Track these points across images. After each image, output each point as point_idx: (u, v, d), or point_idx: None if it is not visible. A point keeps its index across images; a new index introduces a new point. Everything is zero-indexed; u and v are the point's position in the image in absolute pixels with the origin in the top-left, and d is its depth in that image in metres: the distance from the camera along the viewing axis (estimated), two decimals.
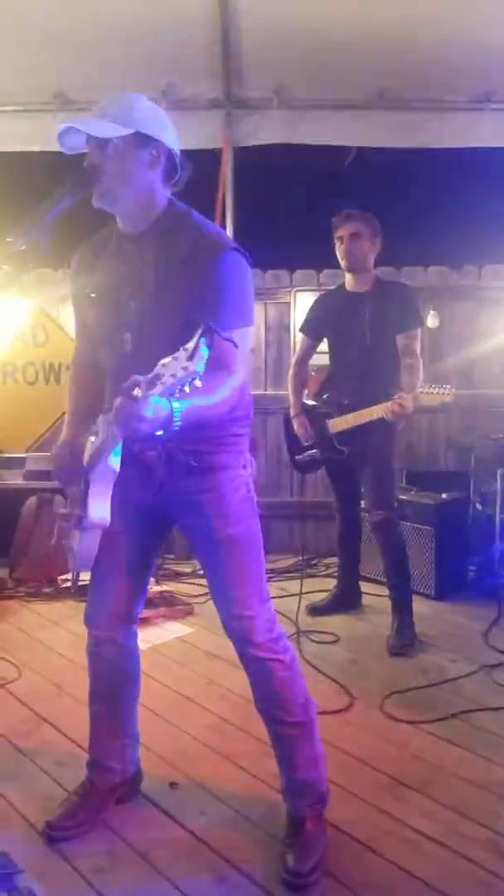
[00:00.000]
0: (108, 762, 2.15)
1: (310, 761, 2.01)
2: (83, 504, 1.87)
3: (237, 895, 1.86)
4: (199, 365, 1.40)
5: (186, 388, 1.43)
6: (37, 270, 4.62)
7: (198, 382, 1.43)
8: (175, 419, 1.52)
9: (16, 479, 4.45)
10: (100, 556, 1.96)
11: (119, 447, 1.76)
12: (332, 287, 3.66)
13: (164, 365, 1.42)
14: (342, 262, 3.37)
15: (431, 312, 4.56)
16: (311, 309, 3.61)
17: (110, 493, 1.84)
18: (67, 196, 1.73)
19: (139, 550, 2.04)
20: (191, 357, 1.40)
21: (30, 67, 3.97)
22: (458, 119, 4.25)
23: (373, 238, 3.32)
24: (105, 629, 2.09)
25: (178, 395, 1.45)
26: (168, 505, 1.95)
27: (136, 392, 1.45)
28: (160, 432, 1.53)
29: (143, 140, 1.77)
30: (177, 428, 1.53)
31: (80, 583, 2.22)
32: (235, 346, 1.63)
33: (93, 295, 1.92)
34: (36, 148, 4.18)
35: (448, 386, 3.06)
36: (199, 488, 1.89)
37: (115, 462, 1.79)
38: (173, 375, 1.41)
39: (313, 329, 3.57)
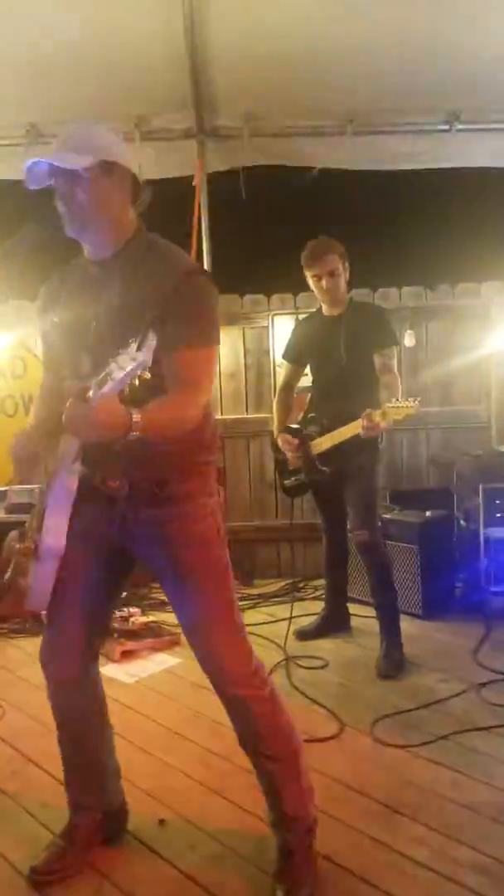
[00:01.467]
0: (87, 801, 2.09)
1: (296, 795, 1.97)
2: (39, 529, 1.82)
3: None
4: (147, 354, 1.40)
5: (136, 382, 1.42)
6: (14, 302, 4.62)
7: (146, 374, 1.43)
8: (134, 426, 1.50)
9: None
10: (56, 592, 1.87)
11: (75, 467, 1.72)
12: (309, 311, 3.69)
13: (113, 360, 1.43)
14: (323, 298, 3.40)
15: (408, 332, 4.58)
16: (292, 335, 3.65)
17: (67, 518, 1.79)
18: (32, 231, 1.73)
19: (99, 585, 1.97)
20: (139, 347, 1.40)
21: (3, 101, 4.00)
22: (426, 140, 4.30)
23: (345, 267, 3.35)
24: (61, 669, 2.00)
25: (128, 391, 1.44)
26: (130, 537, 1.90)
27: (88, 394, 1.44)
28: (115, 442, 1.51)
29: (107, 166, 1.78)
30: (134, 437, 1.51)
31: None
32: (177, 338, 1.62)
33: (55, 320, 1.92)
34: (9, 177, 4.19)
35: (412, 398, 3.07)
36: (163, 519, 1.85)
37: (71, 484, 1.76)
38: (122, 368, 1.41)
39: (295, 354, 3.59)
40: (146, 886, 1.97)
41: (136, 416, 1.51)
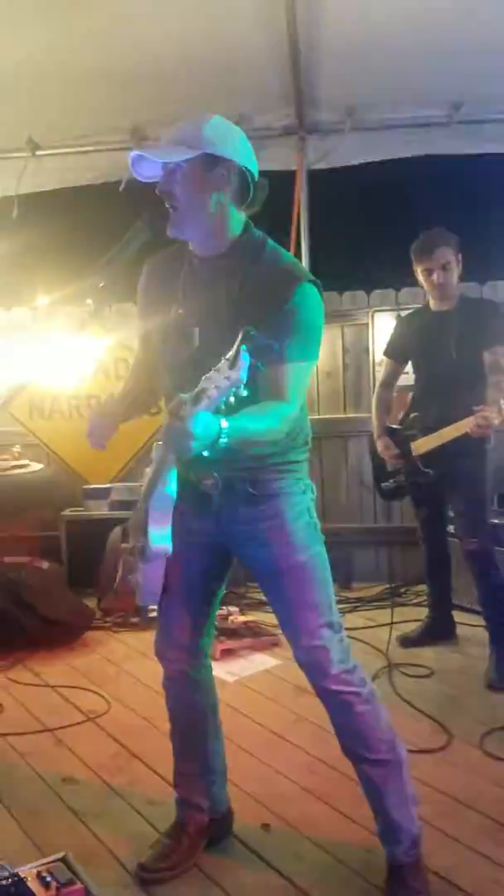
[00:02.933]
0: (196, 800, 2.10)
1: (401, 802, 1.91)
2: (144, 534, 1.82)
3: None
4: (241, 373, 1.38)
5: (231, 399, 1.41)
6: (117, 305, 4.71)
7: (242, 392, 1.41)
8: (221, 437, 1.49)
9: (101, 510, 4.52)
10: (165, 588, 1.91)
11: (173, 473, 1.72)
12: (414, 307, 3.59)
13: (207, 378, 1.41)
14: (432, 293, 3.29)
15: None
16: (395, 330, 3.54)
17: (170, 522, 1.79)
18: (142, 231, 1.73)
19: (200, 581, 2.00)
20: (231, 366, 1.38)
21: (106, 106, 4.08)
22: None
23: (458, 259, 3.24)
24: (175, 662, 2.06)
25: (223, 407, 1.43)
26: (227, 535, 1.91)
27: (182, 411, 1.44)
28: (206, 452, 1.50)
29: (211, 161, 1.71)
30: (223, 446, 1.50)
31: (149, 615, 2.18)
32: (274, 350, 1.59)
33: (157, 315, 1.89)
34: (115, 179, 4.28)
35: None
36: (259, 516, 1.84)
37: (171, 488, 1.76)
38: (217, 388, 1.40)
39: (398, 351, 3.50)
40: (255, 892, 1.95)
41: (225, 425, 1.49)
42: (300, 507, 1.87)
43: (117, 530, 4.30)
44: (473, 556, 3.26)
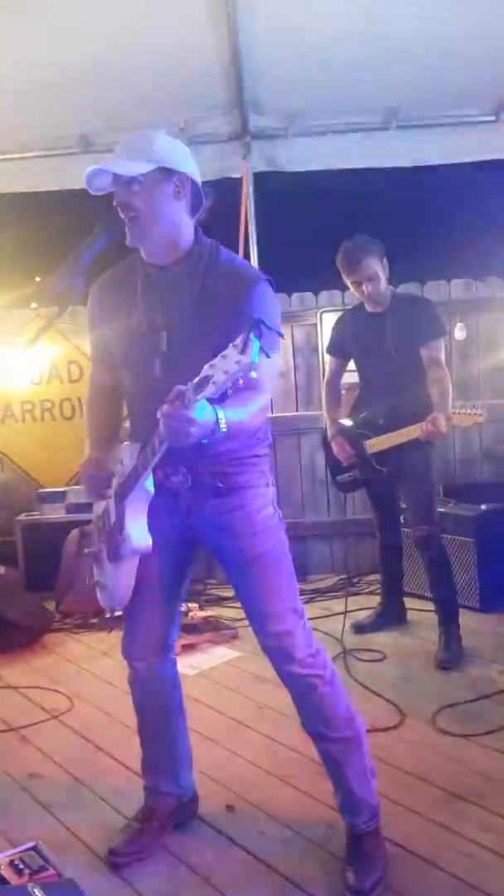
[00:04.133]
0: (163, 786, 2.18)
1: (361, 776, 2.02)
2: (121, 532, 1.89)
3: None
4: (253, 356, 1.44)
5: (241, 382, 1.47)
6: (71, 308, 4.73)
7: (253, 374, 1.47)
8: (220, 425, 1.55)
9: (57, 514, 4.53)
10: (134, 588, 1.98)
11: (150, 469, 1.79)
12: (352, 306, 3.70)
13: (212, 366, 1.47)
14: (364, 300, 3.40)
15: (458, 325, 4.56)
16: (334, 329, 3.66)
17: (146, 519, 1.88)
18: (101, 237, 1.79)
19: (170, 578, 2.07)
20: (242, 350, 1.44)
21: (56, 113, 4.11)
22: (472, 133, 4.28)
23: (383, 265, 3.31)
24: (142, 659, 2.13)
25: (230, 393, 1.49)
26: (195, 528, 1.99)
27: (187, 394, 1.49)
28: (206, 440, 1.57)
29: (166, 174, 1.81)
30: (222, 435, 1.57)
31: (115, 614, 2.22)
32: (281, 335, 1.70)
33: (117, 325, 1.95)
34: (62, 187, 4.31)
35: (480, 406, 3.08)
36: (226, 508, 1.93)
37: (149, 484, 1.84)
38: (226, 372, 1.45)
39: (339, 349, 3.61)
40: (220, 870, 2.03)
41: (222, 416, 1.56)
42: (264, 498, 1.97)
43: (74, 533, 4.33)
44: (423, 542, 3.40)
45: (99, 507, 2.07)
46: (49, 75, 3.79)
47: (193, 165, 1.88)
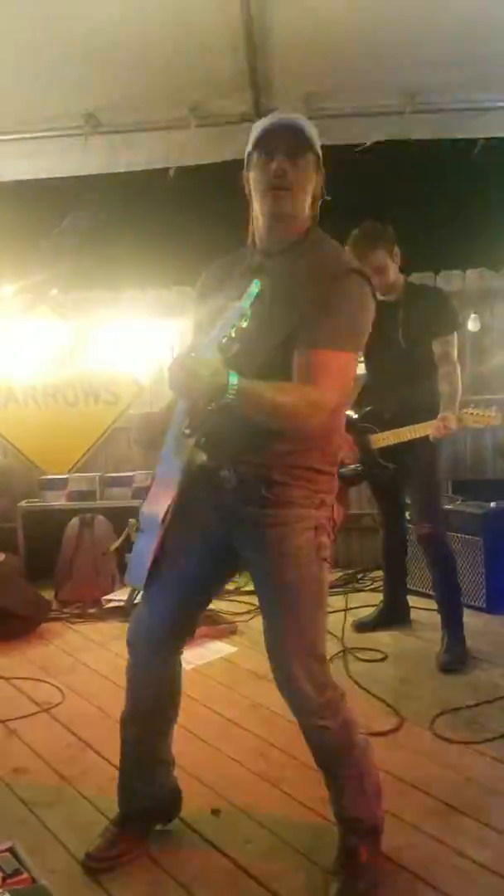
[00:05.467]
0: (142, 788, 2.08)
1: (363, 798, 1.92)
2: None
3: None
4: (244, 301, 1.41)
5: (232, 332, 1.46)
6: (74, 293, 4.66)
7: (243, 323, 1.44)
8: (230, 388, 1.49)
9: (58, 501, 4.48)
10: (155, 573, 1.84)
11: (182, 443, 1.70)
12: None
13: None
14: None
15: (473, 316, 4.45)
16: None
17: (172, 490, 1.75)
18: (82, 219, 1.72)
19: (199, 575, 1.90)
20: (239, 297, 1.43)
21: (58, 91, 4.01)
22: (493, 115, 4.15)
23: (394, 254, 3.20)
24: (147, 652, 1.98)
25: (233, 335, 1.47)
26: (232, 533, 1.84)
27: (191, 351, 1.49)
28: (212, 404, 1.51)
29: (319, 161, 1.81)
30: (230, 399, 1.50)
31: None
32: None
33: (220, 297, 1.83)
34: (66, 173, 4.21)
35: (494, 407, 2.98)
36: (265, 521, 1.76)
37: (181, 452, 1.73)
38: (224, 318, 1.46)
39: None
40: (202, 878, 1.95)
41: (234, 380, 1.49)
42: (308, 521, 1.78)
43: (75, 521, 4.28)
44: (427, 540, 3.30)
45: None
46: (53, 49, 3.70)
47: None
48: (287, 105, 4.24)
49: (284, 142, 1.76)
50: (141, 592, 1.97)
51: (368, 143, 4.19)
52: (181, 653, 2.06)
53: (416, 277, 3.44)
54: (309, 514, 1.78)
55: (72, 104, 4.07)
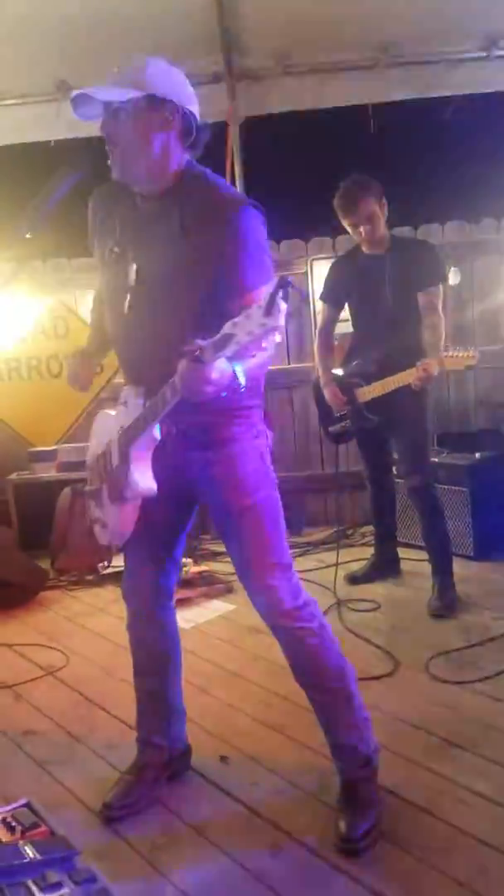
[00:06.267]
0: (156, 739, 2.17)
1: (352, 725, 2.01)
2: (126, 476, 1.86)
3: (294, 864, 1.87)
4: (279, 319, 1.38)
5: (264, 344, 1.42)
6: (53, 261, 4.63)
7: (277, 338, 1.41)
8: (240, 380, 1.51)
9: (49, 472, 4.50)
10: (133, 531, 1.97)
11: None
12: (345, 252, 3.60)
13: (235, 324, 1.41)
14: (362, 242, 3.31)
15: (453, 269, 4.44)
16: (329, 276, 3.56)
17: (150, 464, 1.85)
18: (66, 179, 1.72)
19: (168, 523, 2.05)
20: (268, 313, 1.38)
21: (31, 59, 3.95)
22: (465, 68, 4.14)
23: (382, 205, 3.22)
24: (141, 603, 2.12)
25: (254, 353, 1.44)
26: (186, 477, 1.95)
27: (206, 353, 1.44)
28: (224, 394, 1.53)
29: (155, 102, 1.72)
30: (243, 388, 1.52)
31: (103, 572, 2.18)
32: (304, 297, 1.65)
33: (107, 252, 1.89)
34: (40, 138, 4.17)
35: (472, 348, 3.01)
36: (214, 461, 1.90)
37: (157, 431, 1.81)
38: (249, 333, 1.39)
39: (333, 296, 3.52)
40: (214, 821, 2.03)
41: (240, 371, 1.50)
42: (252, 452, 1.92)
43: (67, 491, 4.30)
44: (416, 491, 3.37)
45: (97, 448, 2.07)
46: (25, 18, 3.64)
47: (189, 95, 1.79)
48: (260, 62, 4.22)
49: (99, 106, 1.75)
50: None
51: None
52: (172, 600, 2.18)
53: (395, 232, 3.46)
54: (251, 445, 1.92)
55: (43, 72, 4.03)
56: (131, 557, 2.12)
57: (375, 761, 2.05)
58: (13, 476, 4.53)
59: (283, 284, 1.38)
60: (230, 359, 1.45)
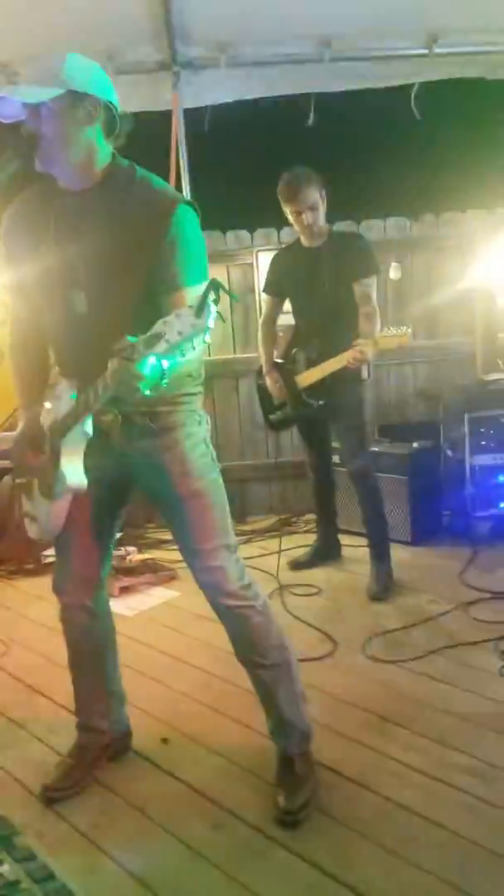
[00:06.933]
0: (96, 723, 2.20)
1: (291, 701, 2.08)
2: (55, 470, 1.86)
3: (234, 839, 1.92)
4: (209, 320, 1.40)
5: (194, 344, 1.43)
6: None
7: (207, 338, 1.43)
8: (164, 376, 1.50)
9: None
10: (64, 524, 1.98)
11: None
12: (285, 244, 3.65)
13: (165, 322, 1.41)
14: (303, 232, 3.36)
15: (394, 264, 4.55)
16: (270, 268, 3.62)
17: (81, 459, 1.85)
18: (11, 162, 1.71)
19: (103, 514, 2.07)
20: (198, 314, 1.40)
21: None
22: (405, 65, 4.22)
23: (323, 196, 3.28)
24: (74, 595, 2.13)
25: (183, 354, 1.44)
26: (128, 468, 1.97)
27: (136, 351, 1.44)
28: (149, 392, 1.52)
29: (76, 97, 1.72)
30: (165, 386, 1.52)
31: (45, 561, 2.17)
32: (236, 300, 1.66)
33: (36, 252, 1.86)
34: None
35: (404, 327, 3.09)
36: (158, 448, 1.92)
37: (88, 426, 1.81)
38: (180, 333, 1.40)
39: (275, 288, 3.58)
40: (154, 800, 2.07)
41: (167, 367, 1.49)
42: (196, 437, 1.96)
43: (7, 480, 4.25)
44: (357, 476, 3.46)
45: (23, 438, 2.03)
46: None
47: (109, 88, 1.79)
48: (203, 52, 4.22)
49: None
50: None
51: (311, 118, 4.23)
52: (106, 588, 2.20)
53: (339, 226, 3.52)
54: (194, 430, 1.96)
55: None
56: (63, 550, 2.11)
57: (311, 736, 2.11)
58: None
59: (215, 287, 1.41)
60: (160, 356, 1.45)
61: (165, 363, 1.47)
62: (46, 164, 1.77)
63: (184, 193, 4.36)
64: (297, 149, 4.50)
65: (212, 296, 1.41)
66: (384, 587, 3.34)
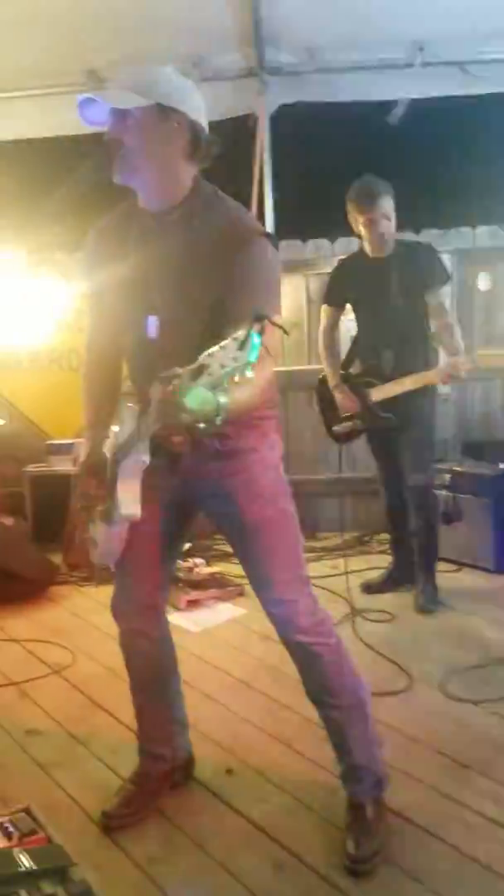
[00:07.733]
0: (158, 749, 2.12)
1: (364, 745, 1.96)
2: (112, 498, 1.80)
3: (296, 883, 1.81)
4: (251, 355, 1.33)
5: (236, 379, 1.36)
6: (76, 254, 4.59)
7: (249, 373, 1.35)
8: (220, 414, 1.43)
9: (65, 466, 4.46)
10: (125, 547, 1.91)
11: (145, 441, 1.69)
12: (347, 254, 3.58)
13: (210, 355, 1.35)
14: (373, 242, 3.26)
15: (482, 274, 4.39)
16: (332, 277, 3.55)
17: (139, 486, 1.77)
18: (90, 172, 1.67)
19: (165, 539, 1.99)
20: (241, 347, 1.33)
21: (60, 47, 3.92)
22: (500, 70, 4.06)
23: (394, 207, 3.22)
24: (134, 622, 2.06)
25: (226, 385, 1.37)
26: (194, 492, 1.90)
27: (183, 381, 1.38)
28: (202, 425, 1.45)
29: (164, 112, 1.68)
30: (219, 423, 1.44)
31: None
32: (286, 333, 1.58)
33: (116, 274, 1.83)
34: (69, 132, 4.12)
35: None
36: (227, 472, 1.84)
37: (145, 450, 1.72)
38: (222, 366, 1.34)
39: (338, 299, 3.51)
40: (216, 835, 1.98)
41: (224, 402, 1.42)
42: (268, 462, 1.87)
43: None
44: (418, 491, 3.39)
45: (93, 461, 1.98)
46: (56, 10, 3.61)
47: (199, 107, 1.73)
48: (291, 57, 4.16)
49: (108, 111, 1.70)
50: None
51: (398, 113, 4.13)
52: (166, 611, 2.14)
53: (424, 235, 3.41)
54: (265, 456, 1.87)
55: (73, 61, 4.01)
56: (124, 575, 2.03)
57: (385, 782, 1.99)
58: (30, 468, 4.50)
59: (259, 319, 1.34)
60: (211, 389, 1.38)
61: (223, 399, 1.39)
62: (125, 176, 1.73)
63: (266, 199, 4.28)
64: (379, 156, 4.39)
65: (255, 328, 1.32)
66: (431, 599, 3.33)
